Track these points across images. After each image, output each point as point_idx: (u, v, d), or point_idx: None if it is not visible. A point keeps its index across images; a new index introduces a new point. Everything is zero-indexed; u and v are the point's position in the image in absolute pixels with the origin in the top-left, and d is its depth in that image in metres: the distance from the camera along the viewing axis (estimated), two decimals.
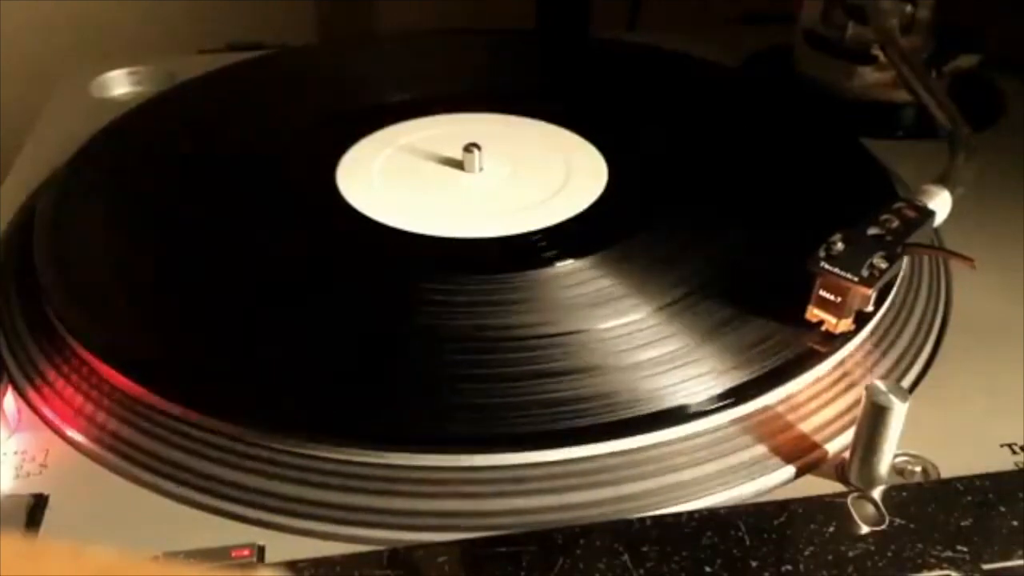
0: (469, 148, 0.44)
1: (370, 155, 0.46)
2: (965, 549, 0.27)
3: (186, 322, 0.36)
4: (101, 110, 0.52)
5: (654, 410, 0.31)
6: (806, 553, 0.27)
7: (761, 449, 0.31)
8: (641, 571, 0.27)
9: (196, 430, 0.32)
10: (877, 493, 0.29)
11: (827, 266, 0.33)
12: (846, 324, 0.34)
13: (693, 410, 0.31)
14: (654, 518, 0.29)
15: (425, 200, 0.42)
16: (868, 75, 0.52)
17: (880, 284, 0.34)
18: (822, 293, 0.34)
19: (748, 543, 0.28)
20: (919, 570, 0.27)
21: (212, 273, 0.38)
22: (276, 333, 0.35)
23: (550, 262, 0.38)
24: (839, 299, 0.33)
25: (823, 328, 0.34)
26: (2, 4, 0.70)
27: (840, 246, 0.34)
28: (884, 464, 0.30)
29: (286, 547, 0.29)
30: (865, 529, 0.28)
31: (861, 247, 0.34)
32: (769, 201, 0.43)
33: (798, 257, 0.34)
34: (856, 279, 0.33)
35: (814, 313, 0.34)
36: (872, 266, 0.33)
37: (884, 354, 0.35)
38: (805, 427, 0.32)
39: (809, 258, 0.34)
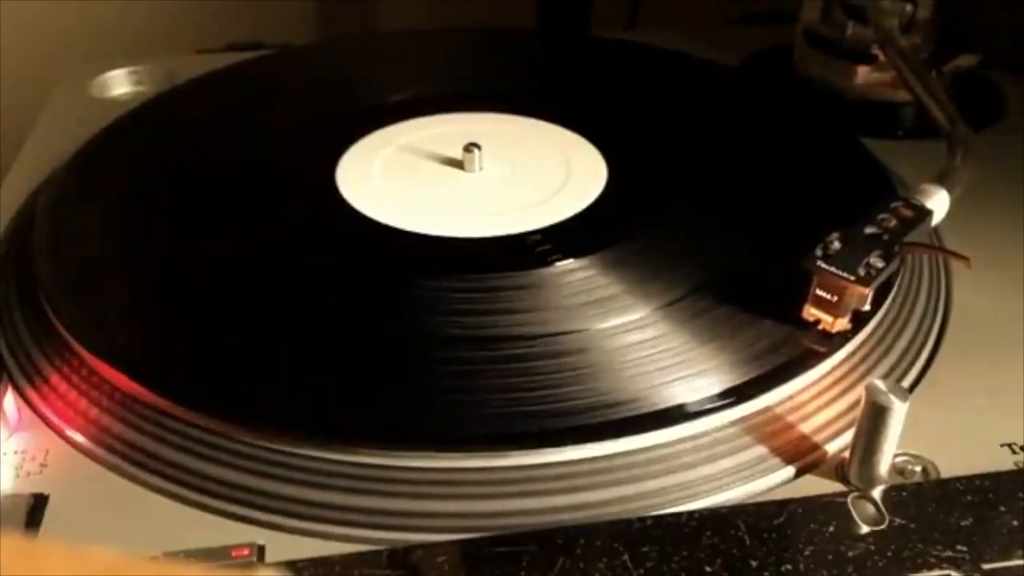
0: (469, 148, 0.44)
1: (370, 155, 0.46)
2: (965, 549, 0.27)
3: (186, 322, 0.36)
4: (101, 110, 0.52)
5: (654, 410, 0.31)
6: (806, 553, 0.27)
7: (761, 449, 0.31)
8: (641, 571, 0.27)
9: (196, 430, 0.32)
10: (877, 493, 0.29)
11: (823, 265, 0.33)
12: (843, 323, 0.34)
13: (693, 410, 0.31)
14: (654, 518, 0.29)
15: (425, 200, 0.42)
16: (868, 75, 0.52)
17: (877, 283, 0.34)
18: (819, 292, 0.34)
19: (748, 543, 0.28)
20: (919, 570, 0.27)
21: (212, 273, 0.38)
22: (276, 333, 0.35)
23: (550, 261, 0.38)
24: (836, 298, 0.33)
25: (820, 327, 0.34)
26: (2, 4, 0.70)
27: (837, 245, 0.34)
28: (884, 464, 0.30)
29: (286, 547, 0.29)
30: (865, 529, 0.28)
31: (858, 246, 0.34)
32: (769, 201, 0.43)
33: (798, 257, 0.34)
34: (852, 278, 0.33)
35: (811, 312, 0.34)
36: (869, 265, 0.33)
37: (884, 354, 0.35)
38: (805, 427, 0.32)
39: (806, 257, 0.34)
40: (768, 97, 0.53)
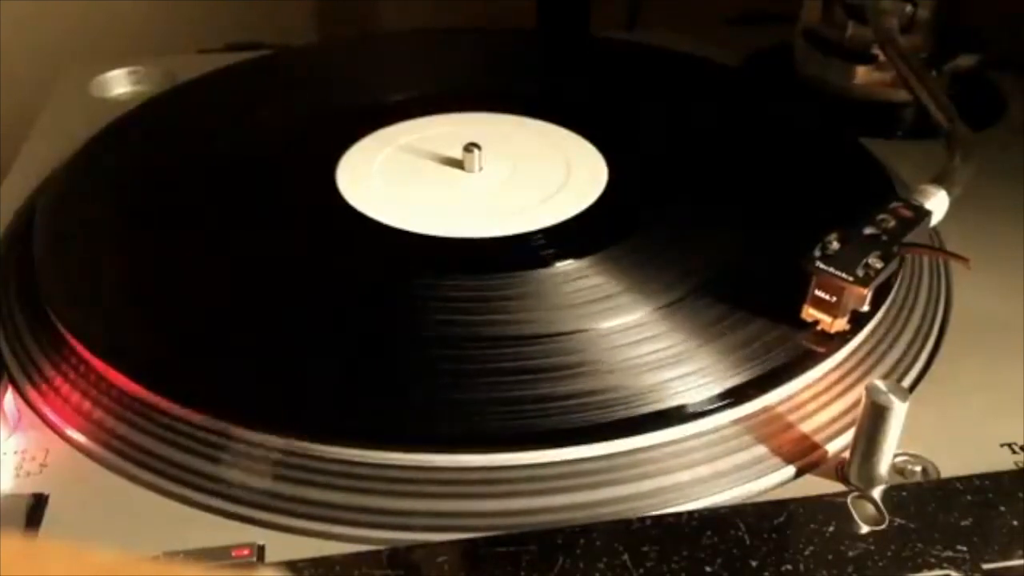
0: (469, 148, 0.44)
1: (370, 155, 0.46)
2: (965, 549, 0.27)
3: (186, 322, 0.36)
4: (101, 110, 0.52)
5: (654, 410, 0.31)
6: (806, 553, 0.27)
7: (761, 449, 0.31)
8: (641, 571, 0.27)
9: (196, 430, 0.32)
10: (877, 493, 0.29)
11: (822, 265, 0.33)
12: (841, 324, 0.34)
13: (693, 410, 0.31)
14: (654, 518, 0.29)
15: (425, 200, 0.42)
16: (868, 75, 0.52)
17: (875, 284, 0.34)
18: (818, 293, 0.34)
19: (748, 543, 0.28)
20: (919, 570, 0.27)
21: (212, 272, 0.38)
22: (276, 333, 0.35)
23: (550, 262, 0.38)
24: (834, 299, 0.33)
25: (819, 328, 0.34)
26: (2, 4, 0.70)
27: (836, 245, 0.34)
28: (884, 464, 0.30)
29: (286, 547, 0.29)
30: (865, 529, 0.28)
31: (857, 247, 0.34)
32: (769, 201, 0.43)
33: (798, 257, 0.34)
34: (851, 279, 0.33)
35: (810, 312, 0.34)
36: (867, 266, 0.33)
37: (884, 354, 0.35)
38: (805, 427, 0.32)
39: (804, 258, 0.34)
40: (768, 97, 0.53)
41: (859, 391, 0.30)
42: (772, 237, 0.40)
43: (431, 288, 0.36)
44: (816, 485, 0.31)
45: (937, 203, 0.37)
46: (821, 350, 0.34)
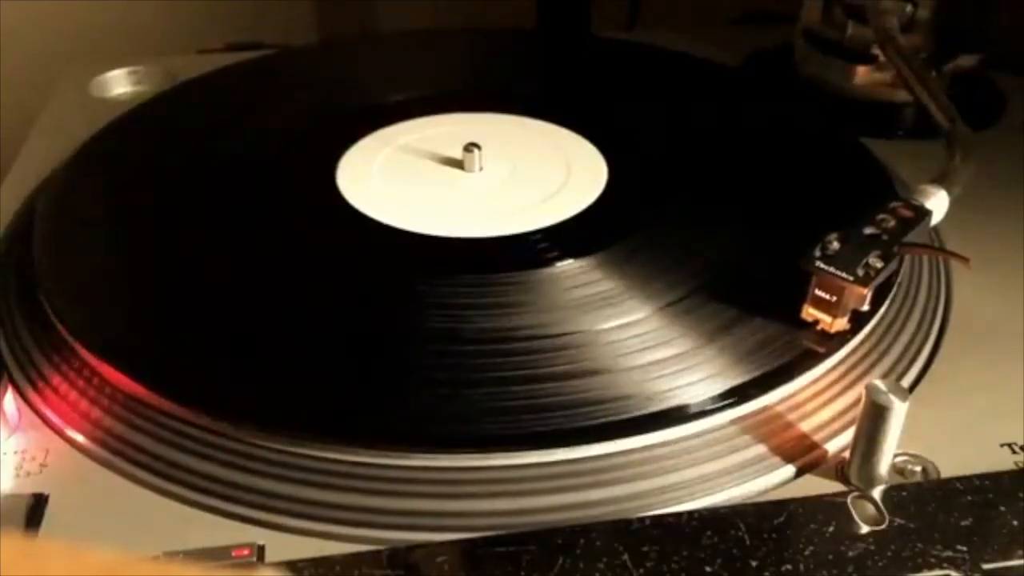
0: (469, 148, 0.44)
1: (370, 155, 0.46)
2: (965, 549, 0.27)
3: (186, 322, 0.36)
4: (101, 110, 0.52)
5: (654, 410, 0.31)
6: (806, 553, 0.27)
7: (761, 449, 0.31)
8: (641, 571, 0.27)
9: (196, 430, 0.32)
10: (877, 493, 0.29)
11: (822, 265, 0.33)
12: (841, 324, 0.34)
13: (693, 410, 0.31)
14: (654, 518, 0.29)
15: (425, 200, 0.42)
16: (868, 75, 0.52)
17: (875, 283, 0.34)
18: (818, 292, 0.34)
19: (748, 543, 0.28)
20: (919, 570, 0.27)
21: (212, 273, 0.38)
22: (276, 333, 0.35)
23: (550, 262, 0.38)
24: (835, 298, 0.33)
25: (819, 328, 0.34)
26: (2, 4, 0.70)
27: (836, 245, 0.34)
28: (884, 464, 0.30)
29: (286, 547, 0.29)
30: (865, 529, 0.28)
31: (857, 246, 0.34)
32: (769, 201, 0.43)
33: (798, 257, 0.34)
34: (851, 278, 0.33)
35: (810, 312, 0.34)
36: (868, 265, 0.33)
37: (884, 354, 0.35)
38: (805, 427, 0.32)
39: (804, 257, 0.34)
40: (768, 97, 0.53)
41: (859, 391, 0.30)
42: (772, 237, 0.40)
43: (431, 288, 0.36)
44: (816, 485, 0.31)
45: (937, 203, 0.37)
46: (821, 350, 0.34)
